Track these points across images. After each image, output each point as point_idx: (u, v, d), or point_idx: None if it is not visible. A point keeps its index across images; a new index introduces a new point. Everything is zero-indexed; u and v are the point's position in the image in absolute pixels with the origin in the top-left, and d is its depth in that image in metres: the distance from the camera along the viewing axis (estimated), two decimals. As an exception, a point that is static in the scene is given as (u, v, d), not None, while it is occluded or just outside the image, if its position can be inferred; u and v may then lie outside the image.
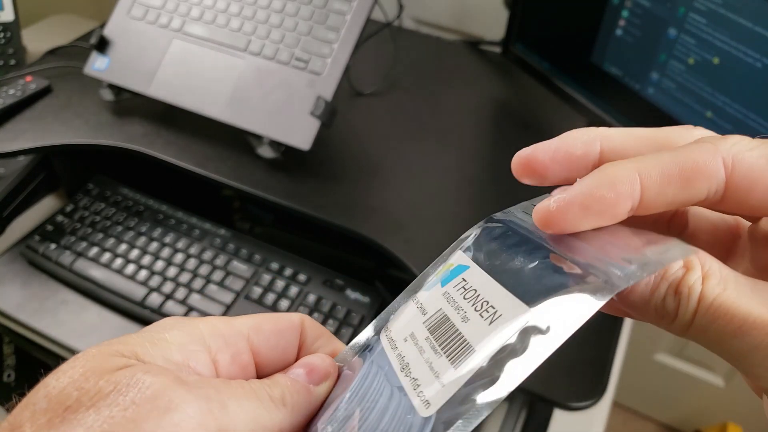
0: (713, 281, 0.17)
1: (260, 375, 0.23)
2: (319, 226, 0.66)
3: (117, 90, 0.76)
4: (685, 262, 0.17)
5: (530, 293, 0.18)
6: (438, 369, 0.19)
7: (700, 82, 0.60)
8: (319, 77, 0.69)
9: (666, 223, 0.23)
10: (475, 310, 0.20)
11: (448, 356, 0.19)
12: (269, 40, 0.72)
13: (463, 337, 0.19)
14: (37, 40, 0.94)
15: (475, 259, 0.22)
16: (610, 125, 0.76)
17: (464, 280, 0.21)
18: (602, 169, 0.19)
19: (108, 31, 0.76)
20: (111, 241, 0.72)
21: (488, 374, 0.18)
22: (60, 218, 0.75)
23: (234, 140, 0.73)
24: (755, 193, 0.18)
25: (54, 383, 0.18)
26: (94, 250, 0.71)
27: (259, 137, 0.70)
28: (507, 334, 0.18)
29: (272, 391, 0.21)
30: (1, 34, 0.87)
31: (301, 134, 0.67)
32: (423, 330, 0.21)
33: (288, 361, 0.24)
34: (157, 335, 0.21)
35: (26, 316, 0.68)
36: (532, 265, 0.20)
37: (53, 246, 0.72)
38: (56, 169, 0.80)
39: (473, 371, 0.18)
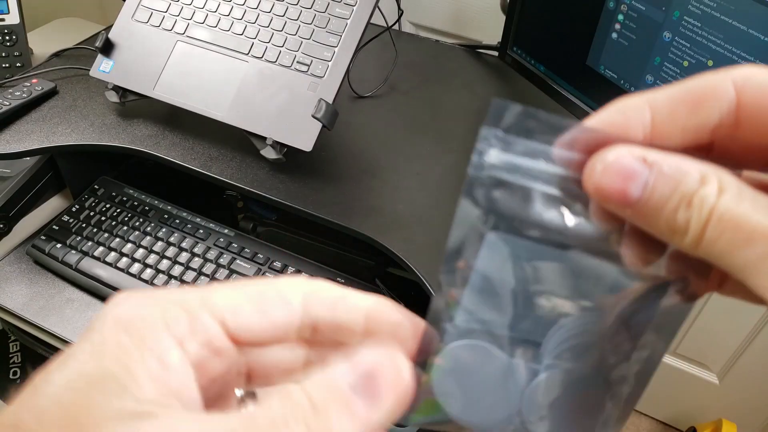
0: (728, 195, 0.17)
1: (242, 345, 0.21)
2: (320, 225, 0.67)
3: (122, 92, 0.78)
4: (700, 176, 0.17)
5: None
6: None
7: (693, 85, 0.61)
8: (321, 80, 0.70)
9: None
10: None
11: None
12: (272, 44, 0.73)
13: None
14: (42, 43, 0.95)
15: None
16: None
17: None
18: (614, 102, 0.19)
19: (113, 34, 0.77)
20: (116, 241, 0.74)
21: None
22: (66, 218, 0.76)
23: (237, 142, 0.74)
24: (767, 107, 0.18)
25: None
26: (100, 249, 0.73)
27: (262, 139, 0.71)
28: None
29: (316, 424, 0.17)
30: (8, 37, 0.88)
31: (304, 136, 0.68)
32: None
33: (287, 331, 0.21)
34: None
35: (32, 315, 0.69)
36: None
37: (59, 245, 0.73)
38: (62, 169, 0.81)
39: None
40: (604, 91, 0.72)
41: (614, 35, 0.69)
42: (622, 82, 0.70)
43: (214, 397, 0.20)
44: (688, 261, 0.19)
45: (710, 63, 0.59)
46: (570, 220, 0.19)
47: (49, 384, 0.17)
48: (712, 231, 0.17)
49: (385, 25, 0.86)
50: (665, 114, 0.19)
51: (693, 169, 0.17)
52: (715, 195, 0.17)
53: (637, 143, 0.18)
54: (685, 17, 0.60)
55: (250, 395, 0.22)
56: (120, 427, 0.16)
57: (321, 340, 0.22)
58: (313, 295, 0.21)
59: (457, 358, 0.21)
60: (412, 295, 0.68)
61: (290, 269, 0.71)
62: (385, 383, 0.18)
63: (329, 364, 0.18)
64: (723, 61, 0.58)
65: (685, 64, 0.62)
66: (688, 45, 0.61)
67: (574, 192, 0.19)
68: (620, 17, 0.68)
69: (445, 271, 0.21)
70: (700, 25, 0.59)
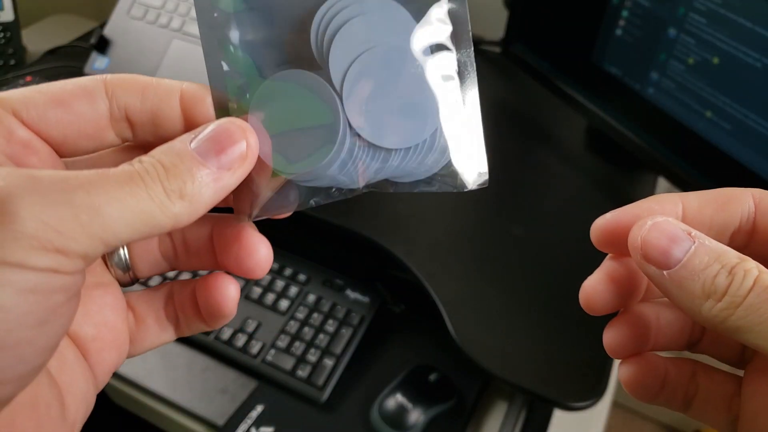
0: None
1: (61, 149, 0.20)
2: (318, 225, 0.66)
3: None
4: (739, 255, 0.19)
5: None
6: None
7: (700, 82, 0.60)
8: (319, 77, 0.69)
9: None
10: None
11: None
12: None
13: None
14: (37, 40, 0.94)
15: None
16: (609, 124, 0.76)
17: None
18: (650, 197, 0.22)
19: (108, 31, 0.76)
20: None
21: None
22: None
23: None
24: None
25: None
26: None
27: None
28: None
29: (168, 183, 0.17)
30: (1, 34, 0.87)
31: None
32: None
33: (98, 125, 0.20)
34: None
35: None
36: None
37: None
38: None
39: None
40: (608, 88, 0.71)
41: (619, 31, 0.68)
42: (626, 78, 0.68)
43: None
44: None
45: (715, 60, 0.58)
46: None
47: None
48: (755, 297, 0.18)
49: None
50: (695, 209, 0.21)
51: (731, 250, 0.19)
52: (757, 269, 0.18)
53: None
54: (690, 13, 0.59)
55: None
56: None
57: (144, 143, 0.21)
58: (117, 83, 0.20)
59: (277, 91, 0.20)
60: (413, 296, 0.67)
61: (288, 270, 0.70)
62: (228, 140, 0.19)
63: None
64: (729, 58, 0.57)
65: (691, 61, 0.60)
66: (694, 42, 0.60)
67: None
68: (625, 13, 0.66)
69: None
70: (705, 21, 0.58)
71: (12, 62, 0.88)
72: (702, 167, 0.62)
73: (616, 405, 0.66)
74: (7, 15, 0.87)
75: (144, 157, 0.18)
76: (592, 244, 0.23)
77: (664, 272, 0.19)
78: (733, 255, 0.19)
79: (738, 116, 0.57)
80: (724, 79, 0.58)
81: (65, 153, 0.20)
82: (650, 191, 0.74)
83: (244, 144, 0.19)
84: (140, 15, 0.76)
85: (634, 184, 0.76)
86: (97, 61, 0.76)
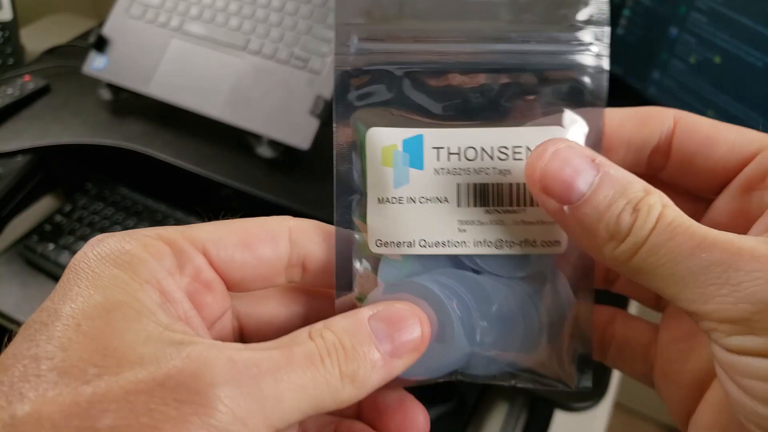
0: (673, 208, 0.17)
1: (233, 287, 0.21)
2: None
3: (116, 89, 0.76)
4: (645, 187, 0.17)
5: None
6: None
7: (701, 81, 0.60)
8: (319, 76, 0.68)
9: None
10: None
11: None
12: (268, 39, 0.71)
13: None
14: (35, 40, 0.94)
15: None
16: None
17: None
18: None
19: (106, 31, 0.76)
20: (109, 241, 0.72)
21: None
22: (58, 218, 0.75)
23: (233, 140, 0.73)
24: (696, 138, 0.20)
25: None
26: (93, 250, 0.71)
27: (258, 137, 0.69)
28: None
29: (345, 366, 0.17)
30: (0, 33, 0.87)
31: (301, 134, 0.67)
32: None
33: (275, 269, 0.21)
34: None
35: (25, 317, 0.67)
36: None
37: (52, 246, 0.72)
38: (54, 168, 0.79)
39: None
40: (609, 87, 0.71)
41: (620, 31, 0.67)
42: (628, 78, 0.68)
43: None
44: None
45: (717, 59, 0.58)
46: None
47: (59, 317, 0.16)
48: (657, 237, 0.16)
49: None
50: (616, 124, 0.20)
51: (637, 180, 0.18)
52: (661, 204, 0.17)
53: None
54: (692, 12, 0.59)
55: None
56: (159, 352, 0.16)
57: (311, 291, 0.22)
58: (302, 230, 0.21)
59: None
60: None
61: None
62: (406, 327, 0.19)
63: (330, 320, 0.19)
64: (730, 57, 0.56)
65: (692, 60, 0.60)
66: (695, 41, 0.59)
67: None
68: (626, 12, 0.66)
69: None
70: (707, 20, 0.58)
71: (10, 62, 0.88)
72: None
73: (617, 406, 0.66)
74: (6, 14, 0.87)
75: (326, 333, 0.18)
76: None
77: (565, 208, 0.18)
78: (638, 187, 0.17)
79: (740, 115, 0.57)
80: (726, 78, 0.58)
81: (236, 290, 0.21)
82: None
83: (419, 334, 0.19)
84: (139, 14, 0.76)
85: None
86: (96, 60, 0.75)
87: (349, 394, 0.17)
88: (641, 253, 0.17)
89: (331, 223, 0.22)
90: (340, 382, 0.17)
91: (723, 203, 0.20)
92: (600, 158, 0.18)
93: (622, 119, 0.21)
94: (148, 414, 0.15)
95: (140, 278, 0.18)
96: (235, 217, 0.21)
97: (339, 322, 0.19)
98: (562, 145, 0.18)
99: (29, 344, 0.16)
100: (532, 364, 0.22)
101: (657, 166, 0.21)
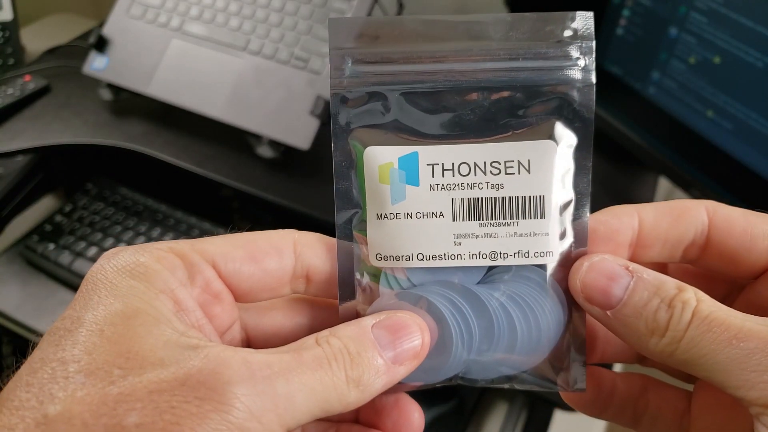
0: (708, 302, 0.18)
1: (241, 298, 0.21)
2: (318, 226, 0.66)
3: (116, 89, 0.76)
4: (677, 285, 0.19)
5: None
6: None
7: (701, 82, 0.60)
8: (319, 76, 0.68)
9: None
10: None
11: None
12: (269, 39, 0.71)
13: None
14: (35, 40, 0.94)
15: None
16: (611, 124, 0.75)
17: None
18: (607, 208, 0.22)
19: (107, 31, 0.76)
20: (110, 241, 0.72)
21: None
22: (59, 218, 0.75)
23: (233, 140, 0.73)
24: (734, 233, 0.21)
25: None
26: (93, 250, 0.71)
27: (258, 137, 0.69)
28: None
29: (351, 371, 0.18)
30: (0, 34, 0.87)
31: (301, 134, 0.67)
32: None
33: (280, 280, 0.22)
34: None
35: (25, 317, 0.67)
36: None
37: (52, 246, 0.72)
38: (55, 168, 0.79)
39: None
40: (609, 88, 0.71)
41: (620, 31, 0.67)
42: (627, 78, 0.68)
43: None
44: None
45: (717, 60, 0.58)
46: None
47: (82, 324, 0.17)
48: (695, 330, 0.18)
49: (385, 20, 0.84)
50: (651, 222, 0.21)
51: (669, 279, 0.19)
52: (695, 299, 0.18)
53: (625, 246, 0.21)
54: (691, 13, 0.59)
55: None
56: (179, 354, 0.17)
57: (315, 300, 0.23)
58: (305, 243, 0.22)
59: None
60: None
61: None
62: (408, 335, 0.20)
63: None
64: (730, 58, 0.56)
65: (692, 60, 0.60)
66: (695, 41, 0.59)
67: None
68: (626, 12, 0.66)
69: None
70: (706, 21, 0.58)
71: (11, 62, 0.88)
72: (703, 167, 0.62)
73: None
74: (6, 14, 0.87)
75: (333, 340, 0.19)
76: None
77: (608, 312, 0.19)
78: (671, 286, 0.19)
79: (739, 116, 0.57)
80: (726, 78, 0.58)
81: (243, 301, 0.22)
82: (651, 191, 0.74)
83: (420, 342, 0.20)
84: (139, 14, 0.76)
85: (636, 183, 0.75)
86: (96, 60, 0.75)
87: (354, 397, 0.18)
88: (682, 346, 0.18)
89: (333, 226, 0.23)
90: (347, 386, 0.18)
91: (763, 287, 0.21)
92: (633, 265, 0.20)
93: (656, 217, 0.21)
94: (170, 411, 0.16)
95: (155, 288, 0.19)
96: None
97: (344, 329, 0.19)
98: (597, 258, 0.20)
99: (55, 349, 0.17)
100: (529, 368, 0.22)
101: (692, 258, 0.22)
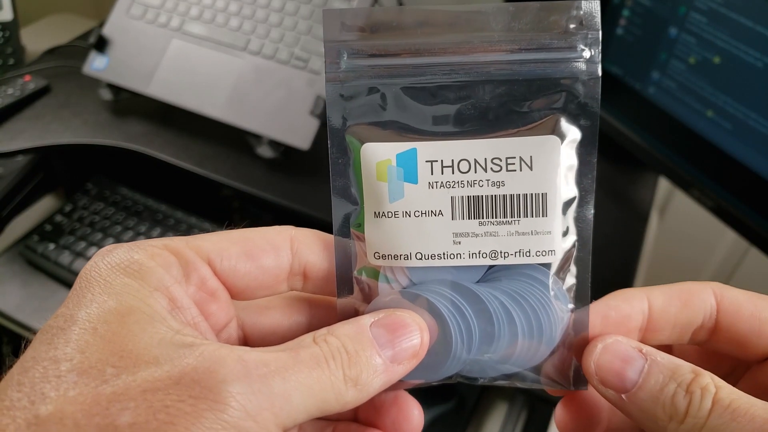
0: (727, 389, 0.18)
1: (237, 296, 0.21)
2: (318, 226, 0.66)
3: (116, 89, 0.76)
4: (692, 368, 0.19)
5: None
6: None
7: (701, 82, 0.60)
8: (319, 76, 0.68)
9: None
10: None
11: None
12: (269, 39, 0.71)
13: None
14: (35, 40, 0.94)
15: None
16: (609, 124, 0.75)
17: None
18: (616, 292, 0.22)
19: (107, 31, 0.76)
20: (110, 241, 0.72)
21: None
22: (59, 218, 0.75)
23: (233, 140, 0.73)
24: (743, 318, 0.21)
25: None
26: (94, 250, 0.71)
27: (258, 137, 0.69)
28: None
29: (349, 370, 0.18)
30: (0, 34, 0.87)
31: (301, 134, 0.67)
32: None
33: (277, 278, 0.21)
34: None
35: (25, 317, 0.67)
36: None
37: (52, 246, 0.72)
38: (55, 168, 0.79)
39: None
40: (609, 88, 0.71)
41: (620, 31, 0.67)
42: (627, 78, 0.68)
43: None
44: None
45: (716, 60, 0.58)
46: None
47: (75, 322, 0.17)
48: (718, 419, 0.17)
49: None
50: (660, 306, 0.21)
51: (684, 363, 0.19)
52: (713, 386, 0.18)
53: (636, 331, 0.21)
54: (691, 13, 0.59)
55: None
56: (173, 352, 0.16)
57: (312, 298, 0.23)
58: (302, 240, 0.22)
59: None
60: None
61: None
62: (406, 334, 0.19)
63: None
64: (730, 58, 0.56)
65: (692, 60, 0.60)
66: (695, 41, 0.59)
67: None
68: (626, 12, 0.66)
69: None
70: (706, 21, 0.58)
71: (11, 62, 0.88)
72: (703, 167, 0.62)
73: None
74: (6, 14, 0.87)
75: (330, 338, 0.19)
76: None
77: (623, 396, 0.19)
78: (686, 369, 0.19)
79: (739, 116, 0.57)
80: (725, 78, 0.58)
81: (240, 299, 0.21)
82: (651, 191, 0.74)
83: (419, 341, 0.20)
84: (139, 14, 0.76)
85: (635, 183, 0.75)
86: (96, 60, 0.75)
87: (352, 396, 0.18)
88: None
89: (331, 226, 0.22)
90: (344, 385, 0.18)
91: None
92: (646, 348, 0.20)
93: (665, 301, 0.21)
94: (164, 410, 0.15)
95: (150, 286, 0.18)
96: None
97: (342, 327, 0.19)
98: (610, 340, 0.20)
99: (47, 347, 0.17)
100: (530, 367, 0.22)
101: (701, 341, 0.22)
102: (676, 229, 0.86)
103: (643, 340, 0.21)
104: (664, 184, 0.76)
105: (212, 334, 0.20)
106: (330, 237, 0.22)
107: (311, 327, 0.22)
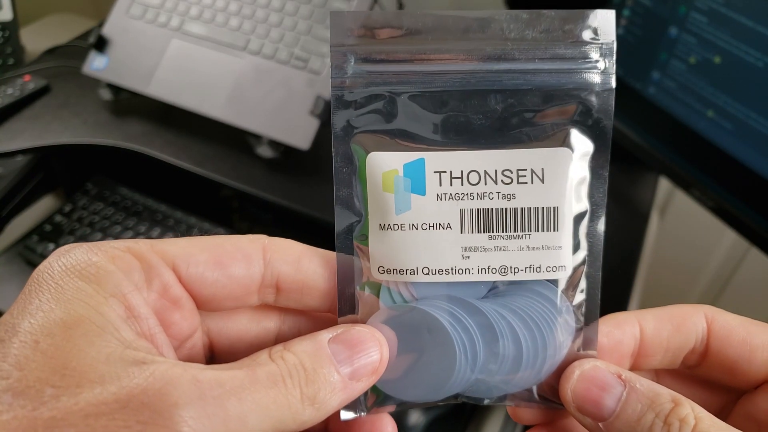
0: (707, 420, 0.17)
1: (202, 306, 0.20)
2: (318, 226, 0.66)
3: (116, 89, 0.76)
4: (672, 398, 0.18)
5: None
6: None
7: (701, 82, 0.60)
8: (319, 77, 0.68)
9: None
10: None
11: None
12: (268, 39, 0.71)
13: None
14: (35, 40, 0.94)
15: None
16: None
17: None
18: (607, 316, 0.21)
19: (107, 31, 0.76)
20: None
21: None
22: (58, 218, 0.75)
23: (233, 140, 0.73)
24: (733, 343, 0.20)
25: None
26: (93, 250, 0.71)
27: (258, 137, 0.69)
28: None
29: (306, 388, 0.17)
30: (0, 33, 0.87)
31: (301, 134, 0.67)
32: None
33: (247, 288, 0.20)
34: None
35: (24, 317, 0.67)
36: None
37: (52, 246, 0.72)
38: (55, 168, 0.79)
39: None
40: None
41: (620, 31, 0.67)
42: (627, 78, 0.68)
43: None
44: None
45: (717, 60, 0.58)
46: None
47: (17, 333, 0.16)
48: None
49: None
50: (652, 331, 0.21)
51: (664, 390, 0.18)
52: (692, 417, 0.17)
53: (628, 356, 0.21)
54: (691, 13, 0.59)
55: None
56: (121, 371, 0.15)
57: (284, 307, 0.21)
58: (275, 250, 0.20)
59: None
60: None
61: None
62: (364, 350, 0.19)
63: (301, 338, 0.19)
64: (730, 58, 0.56)
65: (692, 60, 0.60)
66: (695, 41, 0.59)
67: None
68: (626, 12, 0.66)
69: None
70: (707, 21, 0.58)
71: (10, 61, 0.88)
72: (703, 167, 0.62)
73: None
74: (6, 14, 0.87)
75: (288, 355, 0.18)
76: None
77: (600, 424, 0.19)
78: (666, 399, 0.18)
79: (739, 116, 0.57)
80: (726, 78, 0.58)
81: (206, 309, 0.20)
82: (651, 191, 0.74)
83: (378, 357, 0.19)
84: (139, 14, 0.76)
85: (636, 183, 0.75)
86: (96, 60, 0.75)
87: (309, 415, 0.17)
88: None
89: (332, 226, 0.22)
90: (301, 404, 0.17)
91: (762, 399, 0.21)
92: (626, 373, 0.19)
93: (656, 325, 0.21)
94: None
95: (105, 291, 0.17)
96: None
97: (299, 344, 0.18)
98: (588, 365, 0.19)
99: None
100: (537, 387, 0.21)
101: (691, 365, 0.21)
102: (676, 229, 0.86)
103: (635, 365, 0.21)
104: (664, 184, 0.76)
105: (169, 346, 0.19)
106: (305, 246, 0.21)
107: (281, 334, 0.22)
